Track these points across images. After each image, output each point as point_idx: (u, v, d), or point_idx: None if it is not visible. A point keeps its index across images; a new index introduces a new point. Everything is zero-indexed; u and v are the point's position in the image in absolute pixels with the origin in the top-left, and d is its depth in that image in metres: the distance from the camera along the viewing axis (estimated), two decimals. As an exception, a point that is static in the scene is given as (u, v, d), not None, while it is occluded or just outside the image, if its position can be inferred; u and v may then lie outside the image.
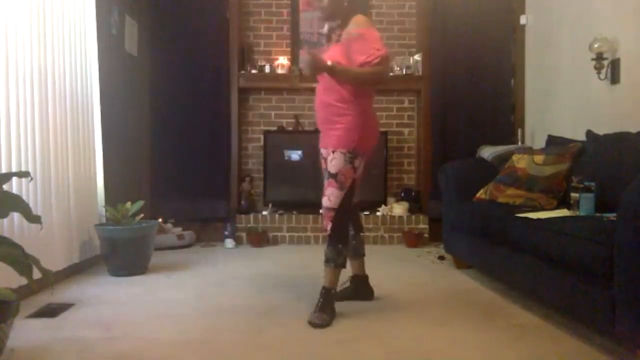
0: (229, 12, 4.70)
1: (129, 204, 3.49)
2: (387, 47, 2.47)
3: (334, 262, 2.49)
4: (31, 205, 2.34)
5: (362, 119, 2.50)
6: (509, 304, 2.72)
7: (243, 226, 4.56)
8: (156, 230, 3.64)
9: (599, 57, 3.28)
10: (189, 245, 4.45)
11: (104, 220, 3.59)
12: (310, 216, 4.57)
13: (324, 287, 2.51)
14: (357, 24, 2.48)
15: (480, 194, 3.41)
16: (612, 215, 2.25)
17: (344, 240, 2.54)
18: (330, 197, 2.51)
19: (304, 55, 2.50)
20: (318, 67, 2.38)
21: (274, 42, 4.93)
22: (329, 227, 2.50)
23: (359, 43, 2.42)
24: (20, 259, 1.93)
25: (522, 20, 4.58)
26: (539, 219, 2.58)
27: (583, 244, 2.09)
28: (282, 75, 4.71)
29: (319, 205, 4.58)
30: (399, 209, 4.64)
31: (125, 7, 4.15)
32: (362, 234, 2.85)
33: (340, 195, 2.50)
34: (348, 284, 2.82)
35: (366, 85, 2.49)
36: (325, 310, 2.44)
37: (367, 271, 2.75)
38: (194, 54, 4.67)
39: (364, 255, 2.85)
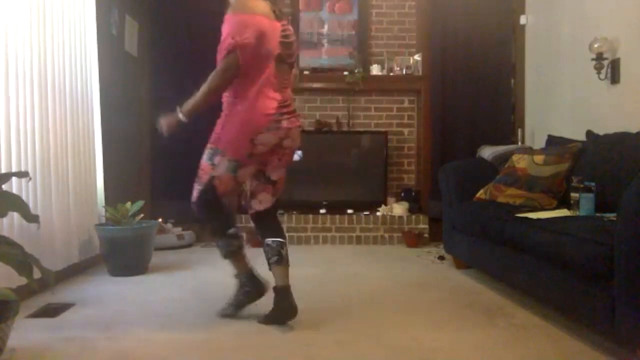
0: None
1: (129, 204, 3.49)
2: (249, 32, 2.20)
3: (220, 254, 2.48)
4: (31, 205, 2.35)
5: (224, 115, 2.37)
6: (509, 304, 2.72)
7: (243, 226, 4.56)
8: (156, 230, 3.64)
9: (599, 57, 3.28)
10: (189, 245, 4.45)
11: (103, 220, 3.59)
12: (310, 216, 4.57)
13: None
14: (230, 6, 2.29)
15: (480, 194, 3.41)
16: (612, 215, 2.25)
17: (213, 234, 2.48)
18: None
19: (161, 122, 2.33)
20: (172, 126, 2.31)
21: (274, 42, 4.92)
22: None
23: (223, 31, 2.26)
24: (20, 259, 1.93)
25: (522, 20, 4.58)
26: (539, 219, 2.58)
27: (583, 244, 2.09)
28: (282, 75, 4.71)
29: (319, 205, 4.65)
30: (399, 209, 4.64)
31: (125, 7, 4.15)
32: (268, 240, 2.44)
33: (196, 189, 2.40)
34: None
35: (221, 89, 2.30)
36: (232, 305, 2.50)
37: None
38: (194, 54, 4.67)
39: (283, 264, 2.42)
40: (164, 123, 2.32)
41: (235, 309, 2.49)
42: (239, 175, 2.38)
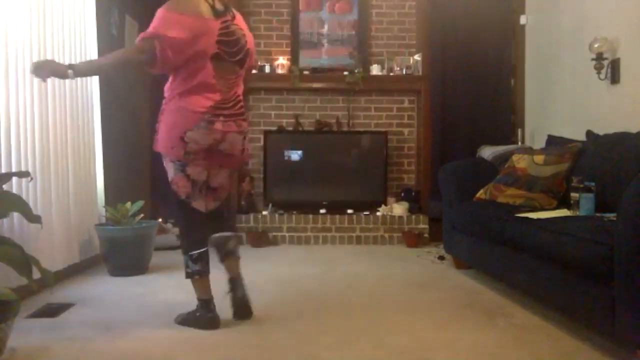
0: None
1: (129, 204, 3.49)
2: (175, 31, 2.14)
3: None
4: (31, 205, 2.34)
5: (159, 118, 2.33)
6: (509, 304, 2.72)
7: (243, 226, 4.56)
8: (156, 230, 3.64)
9: (599, 57, 3.27)
10: (189, 245, 4.44)
11: (104, 220, 3.59)
12: (310, 216, 4.57)
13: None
14: (166, 1, 2.24)
15: (480, 194, 3.41)
16: (612, 215, 2.25)
17: (182, 248, 2.44)
18: None
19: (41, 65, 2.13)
20: (55, 74, 2.14)
21: (274, 42, 4.93)
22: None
23: (151, 24, 2.22)
24: (20, 259, 1.93)
25: (522, 20, 4.58)
26: (539, 219, 2.58)
27: (583, 244, 2.09)
28: (282, 75, 4.72)
29: (319, 205, 4.65)
30: (399, 209, 4.64)
31: (125, 7, 4.15)
32: (215, 236, 2.52)
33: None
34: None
35: (123, 66, 2.25)
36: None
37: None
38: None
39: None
40: (46, 66, 2.13)
41: (180, 323, 2.40)
42: (190, 173, 2.32)
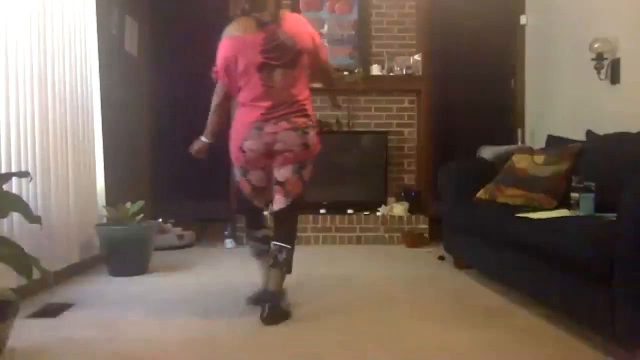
0: (230, 12, 4.70)
1: (129, 204, 3.49)
2: (220, 60, 2.46)
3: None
4: (31, 205, 2.34)
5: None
6: (509, 304, 2.72)
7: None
8: (156, 230, 3.64)
9: (599, 57, 3.28)
10: (189, 245, 4.44)
11: (104, 220, 3.59)
12: (310, 216, 4.57)
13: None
14: None
15: (480, 194, 3.41)
16: (612, 215, 2.25)
17: (245, 232, 2.87)
18: None
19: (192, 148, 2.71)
20: (201, 150, 2.68)
21: (274, 42, 4.92)
22: None
23: None
24: (20, 259, 1.93)
25: (522, 20, 4.59)
26: (539, 219, 2.58)
27: (583, 244, 2.09)
28: (282, 75, 4.71)
29: (319, 205, 4.65)
30: (399, 209, 4.64)
31: (125, 7, 4.15)
32: (272, 242, 2.51)
33: None
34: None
35: (213, 108, 2.63)
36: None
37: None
38: (194, 54, 4.67)
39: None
40: (193, 149, 2.65)
41: (251, 302, 2.63)
42: (250, 179, 2.53)
